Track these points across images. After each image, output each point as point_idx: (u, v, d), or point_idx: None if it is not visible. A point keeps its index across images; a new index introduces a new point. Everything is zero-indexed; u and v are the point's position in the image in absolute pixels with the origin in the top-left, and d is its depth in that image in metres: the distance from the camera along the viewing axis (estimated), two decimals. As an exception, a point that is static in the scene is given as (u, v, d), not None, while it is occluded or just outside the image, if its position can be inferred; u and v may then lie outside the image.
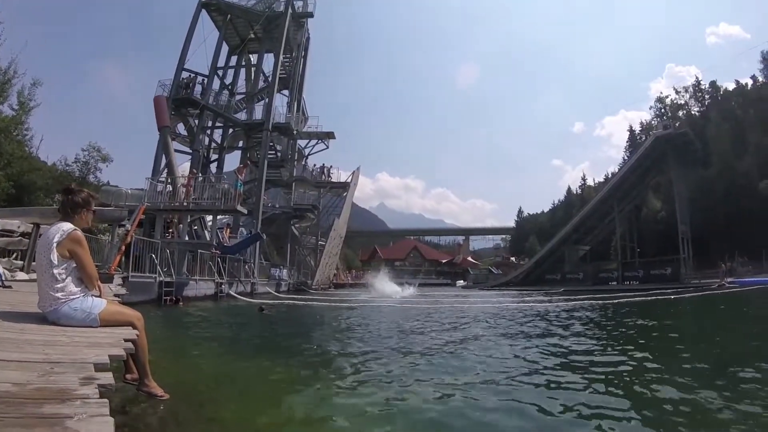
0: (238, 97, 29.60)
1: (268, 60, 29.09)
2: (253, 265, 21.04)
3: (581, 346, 5.67)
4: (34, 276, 6.10)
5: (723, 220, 32.55)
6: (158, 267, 12.43)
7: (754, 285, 21.23)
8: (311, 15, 29.98)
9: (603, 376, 3.90)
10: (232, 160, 31.36)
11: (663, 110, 52.07)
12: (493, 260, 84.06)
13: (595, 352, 5.33)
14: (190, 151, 25.45)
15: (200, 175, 20.24)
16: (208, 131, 28.29)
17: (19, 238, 10.88)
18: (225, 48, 29.10)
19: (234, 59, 30.92)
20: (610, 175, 52.58)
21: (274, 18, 27.61)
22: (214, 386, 3.58)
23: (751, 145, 36.12)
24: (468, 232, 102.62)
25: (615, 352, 5.30)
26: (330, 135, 32.78)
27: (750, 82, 43.78)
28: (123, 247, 11.02)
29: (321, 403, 3.17)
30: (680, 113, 49.77)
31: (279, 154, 29.45)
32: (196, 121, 25.70)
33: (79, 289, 2.73)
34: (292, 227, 32.09)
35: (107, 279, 7.88)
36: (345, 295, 21.83)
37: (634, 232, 39.47)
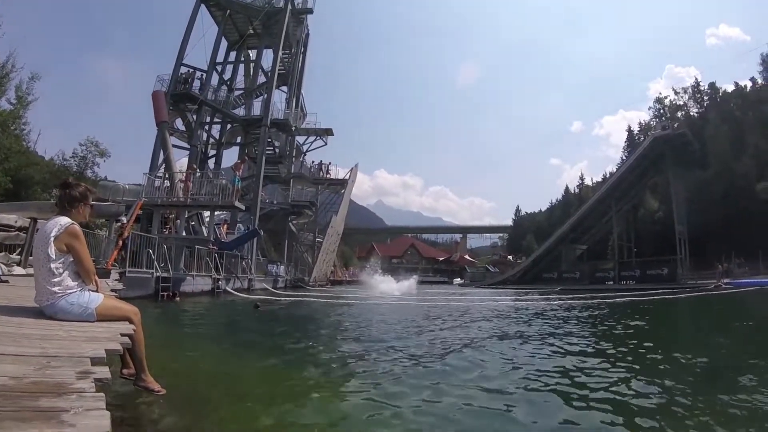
0: (236, 93, 29.53)
1: (267, 56, 29.11)
2: (250, 262, 21.03)
3: (574, 347, 5.69)
4: (31, 270, 6.10)
5: (720, 221, 32.64)
6: (155, 262, 12.44)
7: (751, 286, 21.35)
8: (311, 11, 29.91)
9: (594, 382, 3.92)
10: (230, 156, 31.40)
11: (662, 111, 52.09)
12: (491, 258, 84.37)
13: (588, 353, 5.36)
14: (188, 147, 25.41)
15: (198, 170, 20.20)
16: (207, 127, 28.22)
17: (17, 232, 10.88)
18: (224, 43, 29.03)
19: (233, 55, 30.85)
20: (608, 175, 52.60)
21: (274, 14, 27.52)
22: (210, 381, 3.59)
23: (749, 146, 36.24)
24: (466, 230, 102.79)
25: (604, 356, 5.32)
26: (328, 132, 32.77)
27: (749, 84, 43.96)
28: (120, 242, 11.00)
29: (313, 399, 3.18)
30: (679, 114, 49.82)
31: (277, 150, 29.42)
32: (195, 117, 25.62)
33: (76, 283, 2.73)
34: (290, 224, 32.08)
35: (104, 274, 7.85)
36: (341, 292, 21.83)
37: (632, 231, 39.62)
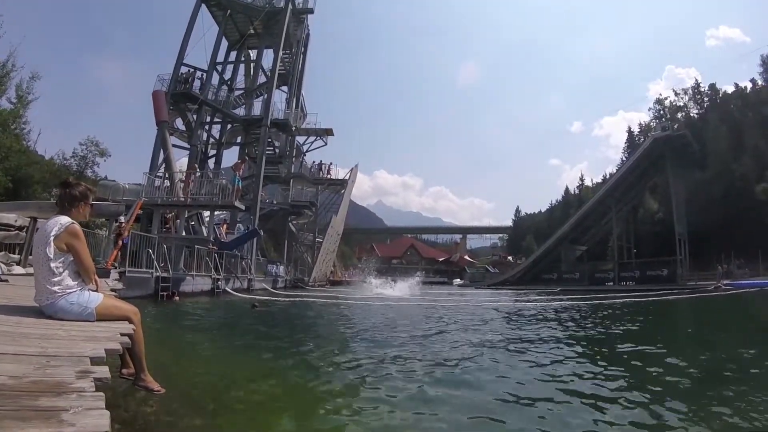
0: (237, 93, 29.55)
1: (268, 56, 29.11)
2: (249, 262, 21.03)
3: (573, 349, 5.69)
4: (31, 270, 6.10)
5: (720, 222, 32.65)
6: (155, 262, 12.43)
7: (750, 287, 21.35)
8: (311, 11, 29.93)
9: (595, 383, 3.92)
10: (230, 156, 31.39)
11: (662, 112, 52.09)
12: (490, 259, 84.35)
13: (587, 355, 5.36)
14: (188, 147, 25.41)
15: (198, 170, 20.21)
16: (207, 126, 28.21)
17: (17, 232, 10.85)
18: (224, 43, 28.99)
19: (233, 54, 30.84)
20: (608, 176, 52.69)
21: (274, 14, 27.53)
22: (209, 381, 3.59)
23: (749, 147, 36.25)
24: (465, 231, 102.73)
25: (604, 358, 5.33)
26: (329, 132, 32.76)
27: (749, 85, 43.99)
28: (120, 242, 10.99)
29: (312, 399, 3.19)
30: (679, 115, 49.82)
31: (277, 150, 29.43)
32: (195, 116, 25.61)
33: (76, 283, 2.73)
34: (290, 224, 32.10)
35: (104, 273, 7.84)
36: (341, 292, 21.82)
37: (631, 232, 39.63)
